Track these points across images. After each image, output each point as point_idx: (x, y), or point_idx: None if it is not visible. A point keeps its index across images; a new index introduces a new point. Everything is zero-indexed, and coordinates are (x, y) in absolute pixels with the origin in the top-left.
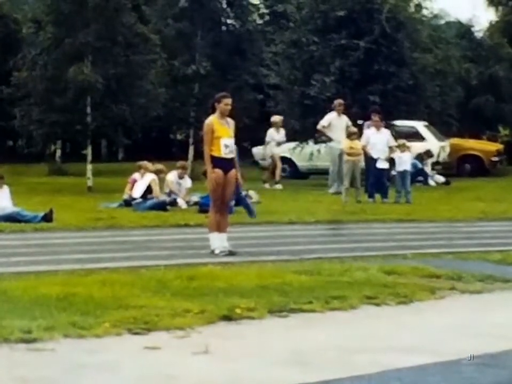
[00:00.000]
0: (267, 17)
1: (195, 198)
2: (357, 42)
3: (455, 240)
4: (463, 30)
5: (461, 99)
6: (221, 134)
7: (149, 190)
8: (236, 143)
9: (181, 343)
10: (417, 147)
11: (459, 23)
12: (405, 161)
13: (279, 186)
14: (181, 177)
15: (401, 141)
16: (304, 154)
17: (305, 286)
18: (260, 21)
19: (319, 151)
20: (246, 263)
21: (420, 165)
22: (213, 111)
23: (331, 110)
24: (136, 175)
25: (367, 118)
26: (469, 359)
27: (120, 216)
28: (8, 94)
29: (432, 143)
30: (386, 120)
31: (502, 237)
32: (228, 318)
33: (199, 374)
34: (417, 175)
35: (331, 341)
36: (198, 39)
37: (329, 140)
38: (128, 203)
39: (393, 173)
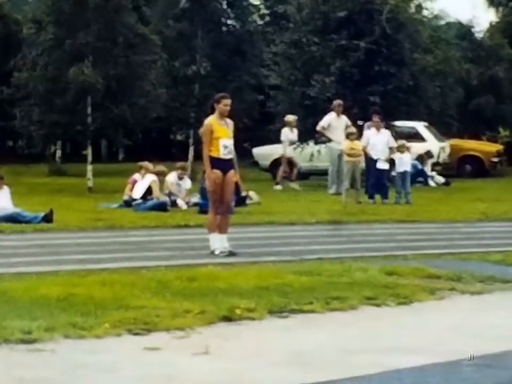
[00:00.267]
0: (267, 18)
1: (195, 199)
2: (357, 43)
3: (455, 241)
4: (464, 31)
5: (461, 100)
6: (220, 135)
7: (149, 190)
8: (236, 143)
9: (181, 343)
10: (417, 148)
11: (459, 24)
12: (405, 162)
13: (278, 187)
14: (180, 178)
15: (401, 142)
16: (304, 155)
17: (306, 286)
18: (260, 22)
19: (319, 151)
20: (246, 264)
21: (420, 166)
22: (212, 111)
23: (330, 110)
24: (136, 176)
25: (367, 118)
26: (469, 359)
27: (120, 216)
28: (8, 94)
29: (432, 144)
30: (387, 121)
31: (502, 237)
32: (228, 318)
33: (199, 374)
34: (418, 175)
35: (331, 342)
36: (198, 40)
37: (329, 140)
38: (128, 204)
39: (393, 173)
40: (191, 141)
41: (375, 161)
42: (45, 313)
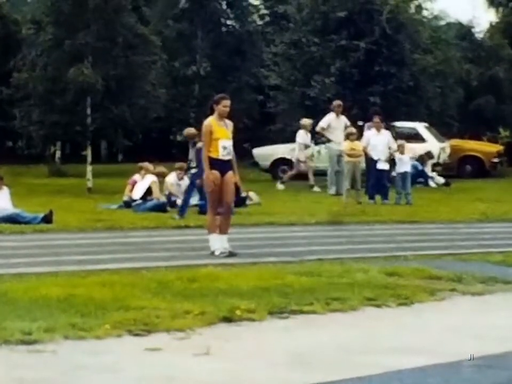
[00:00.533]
0: (267, 18)
1: (195, 200)
2: (357, 43)
3: (455, 242)
4: (464, 31)
5: (461, 100)
6: (219, 136)
7: (149, 191)
8: (236, 144)
9: (182, 344)
10: (417, 148)
11: (459, 24)
12: (405, 163)
13: (281, 186)
14: (180, 178)
15: (400, 142)
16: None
17: (306, 287)
18: (260, 22)
19: (319, 152)
20: (246, 265)
21: (420, 166)
22: (212, 112)
23: (330, 111)
24: (136, 177)
25: (368, 119)
26: (469, 359)
27: (120, 217)
28: (8, 95)
29: (433, 144)
30: (387, 122)
31: (503, 238)
32: (228, 319)
33: (200, 375)
34: (418, 176)
35: (332, 342)
36: (198, 40)
37: (328, 141)
38: (128, 204)
39: (393, 174)
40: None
41: (375, 161)
42: (45, 314)
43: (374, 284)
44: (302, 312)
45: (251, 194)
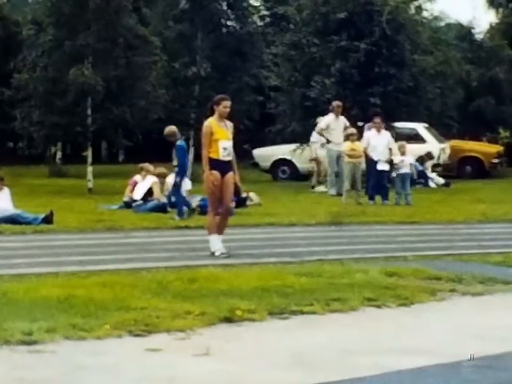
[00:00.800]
0: (267, 19)
1: (196, 201)
2: (357, 44)
3: (455, 242)
4: (464, 32)
5: (461, 101)
6: (220, 137)
7: (149, 192)
8: (236, 145)
9: (182, 345)
10: (417, 149)
11: (459, 25)
12: (405, 164)
13: (321, 188)
14: None
15: (401, 143)
16: (304, 156)
17: (306, 288)
18: (260, 23)
19: None
20: (246, 265)
21: (420, 167)
22: (212, 113)
23: (330, 112)
24: (137, 177)
25: (368, 120)
26: (469, 359)
27: (120, 218)
28: (8, 96)
29: (433, 145)
30: (387, 122)
31: (503, 238)
32: (228, 319)
33: (200, 375)
34: (418, 177)
35: (332, 343)
36: (198, 41)
37: (327, 142)
38: (128, 205)
39: (393, 174)
40: (191, 142)
41: (376, 162)
42: (45, 314)
43: (374, 284)
44: (302, 312)
45: (251, 195)
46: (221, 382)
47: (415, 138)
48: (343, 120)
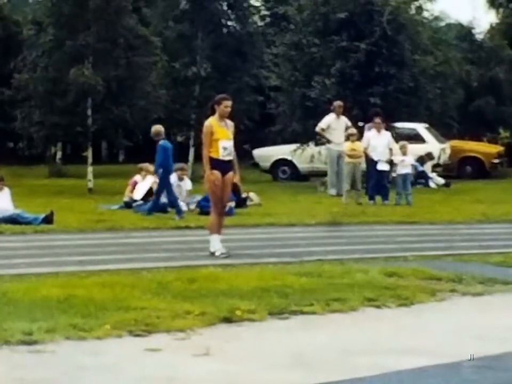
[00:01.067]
0: (268, 19)
1: (195, 200)
2: (357, 44)
3: (455, 242)
4: (464, 32)
5: (461, 101)
6: (220, 136)
7: (150, 192)
8: (236, 145)
9: (182, 344)
10: (418, 149)
11: (460, 25)
12: (406, 164)
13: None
14: (181, 179)
15: (402, 143)
16: (305, 156)
17: (306, 288)
18: (260, 23)
19: (319, 153)
20: (246, 265)
21: (420, 167)
22: (212, 113)
23: (330, 112)
24: (137, 177)
25: (368, 120)
26: (469, 359)
27: (120, 218)
28: (9, 96)
29: (433, 145)
30: (387, 122)
31: (503, 239)
32: (228, 320)
33: (200, 376)
34: (418, 177)
35: (332, 343)
36: (198, 41)
37: (328, 142)
38: (128, 205)
39: (393, 175)
40: (191, 142)
41: (376, 162)
42: (45, 314)
43: (374, 284)
44: (302, 312)
45: (251, 195)
46: (221, 382)
47: (415, 138)
48: (344, 120)
